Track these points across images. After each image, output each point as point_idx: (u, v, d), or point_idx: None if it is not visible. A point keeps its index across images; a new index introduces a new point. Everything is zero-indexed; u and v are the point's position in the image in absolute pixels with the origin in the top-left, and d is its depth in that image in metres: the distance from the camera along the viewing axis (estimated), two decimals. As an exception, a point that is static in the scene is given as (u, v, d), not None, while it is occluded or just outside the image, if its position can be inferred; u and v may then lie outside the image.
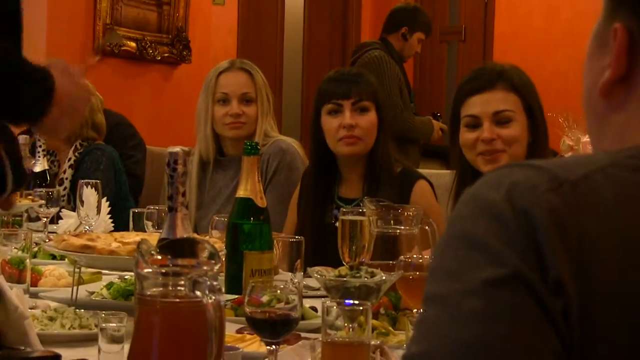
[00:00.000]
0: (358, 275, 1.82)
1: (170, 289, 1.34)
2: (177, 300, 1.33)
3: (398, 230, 2.12)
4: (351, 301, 1.52)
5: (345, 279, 1.80)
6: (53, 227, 3.30)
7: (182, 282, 1.34)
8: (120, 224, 3.23)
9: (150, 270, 1.35)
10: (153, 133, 5.42)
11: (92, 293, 2.28)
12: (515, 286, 0.90)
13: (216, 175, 3.64)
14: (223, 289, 1.34)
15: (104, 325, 1.76)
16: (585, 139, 2.96)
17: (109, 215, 3.21)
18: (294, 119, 7.84)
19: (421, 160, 5.71)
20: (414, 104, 5.88)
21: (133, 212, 2.80)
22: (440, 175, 3.50)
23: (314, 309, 2.12)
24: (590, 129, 1.11)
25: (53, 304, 2.12)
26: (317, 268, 1.87)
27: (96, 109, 4.12)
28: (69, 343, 1.88)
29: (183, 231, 1.78)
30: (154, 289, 1.34)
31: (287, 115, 7.60)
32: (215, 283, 1.32)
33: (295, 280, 2.26)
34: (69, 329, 1.92)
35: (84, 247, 2.02)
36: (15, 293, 1.86)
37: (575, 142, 3.05)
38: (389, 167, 3.07)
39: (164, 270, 1.35)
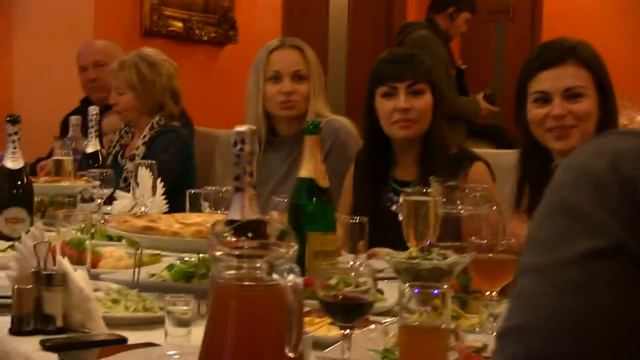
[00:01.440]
0: (429, 257, 1.77)
1: (246, 272, 1.31)
2: (254, 283, 1.29)
3: (465, 211, 2.06)
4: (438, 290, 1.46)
5: (416, 261, 1.76)
6: (107, 209, 3.28)
7: (259, 265, 1.30)
8: (180, 206, 3.21)
9: (225, 252, 1.31)
10: (200, 114, 5.38)
11: (152, 275, 2.26)
12: (617, 257, 0.88)
13: (268, 156, 3.59)
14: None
15: (170, 308, 1.73)
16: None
17: (164, 197, 3.18)
18: (338, 100, 7.77)
19: (467, 140, 5.64)
20: (464, 83, 5.82)
21: (190, 193, 2.77)
22: (497, 155, 3.42)
23: (380, 291, 2.08)
24: None
25: (115, 286, 2.10)
26: (386, 250, 1.83)
27: (174, 75, 4.11)
28: (133, 326, 1.85)
29: (251, 212, 1.73)
30: (229, 272, 1.31)
31: (331, 96, 7.53)
32: (293, 266, 1.29)
33: (363, 262, 2.22)
34: (133, 311, 1.89)
35: (146, 228, 1.99)
36: (80, 275, 1.84)
37: (629, 120, 2.98)
38: (445, 148, 3.01)
39: (239, 253, 1.31)
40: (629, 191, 0.90)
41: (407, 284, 1.50)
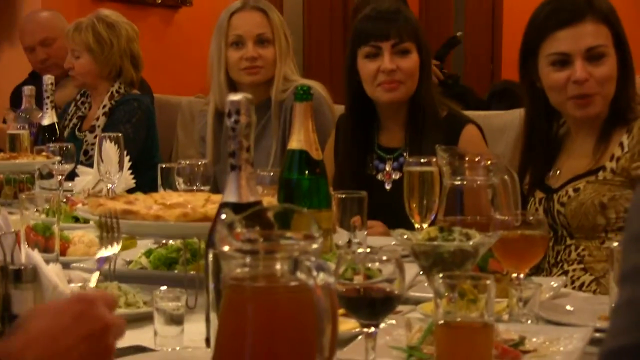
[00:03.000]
0: (451, 237, 1.56)
1: (264, 270, 1.09)
2: (275, 284, 1.08)
3: (477, 182, 1.86)
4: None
5: (437, 242, 1.55)
6: (68, 185, 3.04)
7: (279, 262, 1.09)
8: (145, 181, 2.99)
9: (238, 248, 1.09)
10: (155, 80, 5.15)
11: (129, 262, 2.04)
12: None
13: (234, 126, 3.36)
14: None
15: (160, 304, 1.51)
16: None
17: (130, 172, 2.95)
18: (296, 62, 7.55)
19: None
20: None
21: (161, 167, 2.53)
22: (486, 117, 3.22)
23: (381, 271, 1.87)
24: None
25: (89, 277, 1.86)
26: (401, 230, 1.62)
27: (133, 38, 3.88)
28: (115, 324, 1.63)
29: (250, 194, 1.52)
30: (243, 271, 1.09)
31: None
32: (322, 262, 1.07)
33: (358, 241, 2.02)
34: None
35: (125, 212, 1.76)
36: (52, 269, 1.61)
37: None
38: (434, 112, 2.80)
39: (253, 248, 1.09)
40: None
41: (441, 275, 1.30)
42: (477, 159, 1.90)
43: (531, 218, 1.68)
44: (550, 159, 2.46)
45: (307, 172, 2.05)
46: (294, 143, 2.05)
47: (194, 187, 2.44)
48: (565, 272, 2.33)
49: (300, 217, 1.15)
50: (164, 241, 2.11)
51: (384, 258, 1.34)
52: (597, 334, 1.50)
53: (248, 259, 1.08)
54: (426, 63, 2.80)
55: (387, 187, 2.79)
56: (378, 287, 1.33)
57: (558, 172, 2.45)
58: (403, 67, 2.74)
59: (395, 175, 2.78)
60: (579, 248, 2.36)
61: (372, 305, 1.33)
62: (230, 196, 1.50)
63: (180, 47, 5.95)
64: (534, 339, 1.49)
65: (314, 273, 1.05)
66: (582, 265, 2.33)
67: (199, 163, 2.48)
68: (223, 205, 1.53)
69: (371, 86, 2.77)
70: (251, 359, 1.07)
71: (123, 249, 2.11)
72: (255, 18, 3.32)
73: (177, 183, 2.45)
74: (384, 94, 2.76)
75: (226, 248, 1.09)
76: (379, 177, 2.81)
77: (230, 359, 1.09)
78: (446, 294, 1.30)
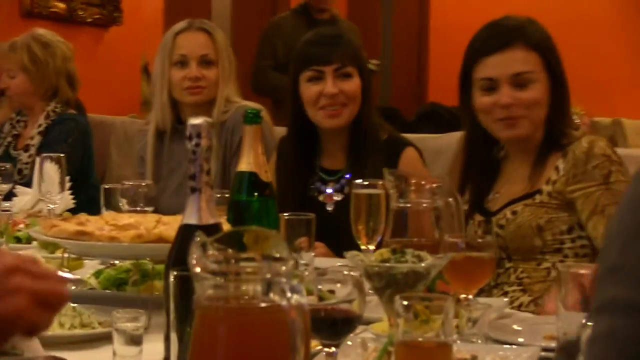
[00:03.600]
0: (404, 259, 1.61)
1: (237, 291, 1.11)
2: (251, 305, 1.10)
3: (423, 204, 1.91)
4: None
5: (390, 264, 1.59)
6: (6, 205, 3.01)
7: (253, 284, 1.11)
8: (81, 201, 2.98)
9: (211, 270, 1.11)
10: (86, 98, 5.14)
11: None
12: None
13: (174, 146, 3.38)
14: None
15: (119, 325, 1.52)
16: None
17: (70, 192, 2.94)
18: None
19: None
20: None
21: (104, 188, 2.54)
22: (424, 140, 3.29)
23: (332, 292, 1.91)
24: None
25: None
26: (353, 252, 1.65)
27: (69, 57, 3.86)
28: (72, 345, 1.64)
29: (210, 216, 1.55)
30: (216, 292, 1.11)
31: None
32: (296, 284, 1.10)
33: (305, 262, 2.05)
34: (69, 328, 1.67)
35: (79, 233, 1.77)
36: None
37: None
38: (375, 135, 2.86)
39: (228, 269, 1.11)
40: None
41: (399, 295, 1.34)
42: (422, 182, 1.95)
43: (480, 240, 1.73)
44: (490, 183, 2.53)
45: (256, 194, 2.07)
46: (244, 165, 2.07)
47: (138, 208, 2.45)
48: (505, 293, 2.39)
49: (268, 239, 1.18)
50: (111, 262, 2.11)
51: (342, 279, 1.38)
52: (544, 353, 1.55)
53: (221, 280, 1.11)
54: (368, 86, 2.85)
55: (329, 208, 2.82)
56: (340, 307, 1.37)
57: (497, 195, 2.51)
58: (346, 91, 2.79)
59: (337, 197, 2.82)
60: (517, 270, 2.42)
61: (334, 325, 1.36)
62: (191, 218, 1.53)
63: (110, 66, 5.93)
64: (486, 358, 1.53)
65: (288, 294, 1.08)
66: (521, 287, 2.40)
67: (143, 184, 2.50)
68: (183, 227, 1.56)
69: (313, 109, 2.81)
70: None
71: (70, 269, 2.13)
72: (200, 39, 3.34)
73: (120, 204, 2.46)
74: (327, 120, 2.80)
75: (198, 270, 1.12)
76: (321, 198, 2.84)
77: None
78: (404, 314, 1.34)
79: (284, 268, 1.10)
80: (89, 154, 3.86)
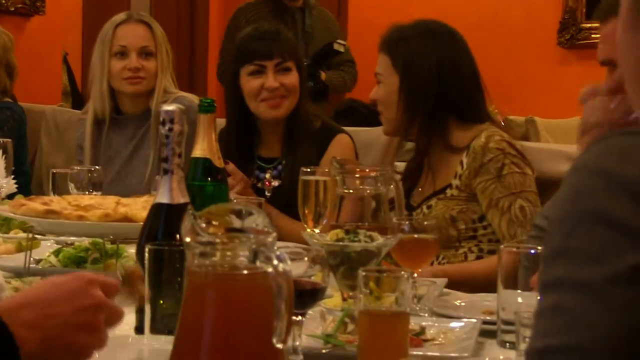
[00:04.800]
0: (357, 239, 1.74)
1: (224, 259, 1.23)
2: (235, 272, 1.22)
3: (367, 190, 2.04)
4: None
5: (345, 243, 1.73)
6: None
7: (242, 253, 1.23)
8: (23, 190, 3.05)
9: (207, 239, 1.23)
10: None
11: (38, 261, 2.12)
12: None
13: (112, 135, 3.46)
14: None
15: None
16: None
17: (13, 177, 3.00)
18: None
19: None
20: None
21: (53, 173, 2.62)
22: (356, 133, 3.42)
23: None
24: None
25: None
26: (309, 232, 1.78)
27: (9, 47, 3.87)
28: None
29: (180, 196, 1.67)
30: (207, 261, 1.23)
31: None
32: (282, 254, 1.22)
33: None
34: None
35: (48, 212, 1.86)
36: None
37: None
38: (308, 124, 3.00)
39: (222, 240, 1.23)
40: None
41: (363, 269, 1.47)
42: (367, 170, 2.10)
43: (425, 223, 1.87)
44: (417, 177, 2.69)
45: (209, 178, 2.18)
46: (198, 152, 2.18)
47: (86, 193, 2.54)
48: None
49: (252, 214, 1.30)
50: (67, 242, 2.20)
51: (300, 256, 1.51)
52: (485, 326, 1.71)
53: (210, 249, 1.22)
54: (304, 80, 2.99)
55: (267, 194, 2.96)
56: (307, 280, 1.50)
57: (420, 189, 2.68)
58: (286, 84, 2.92)
59: (275, 183, 2.95)
60: (439, 257, 2.58)
61: (301, 295, 1.49)
62: (163, 197, 1.65)
63: (32, 56, 5.91)
64: (432, 330, 1.68)
65: (275, 262, 1.20)
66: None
67: (92, 169, 2.59)
68: (156, 206, 1.67)
69: (254, 102, 2.94)
70: (213, 340, 1.20)
71: (27, 248, 2.21)
72: (140, 31, 3.42)
73: (70, 188, 2.55)
74: (269, 110, 2.94)
75: (189, 239, 1.23)
76: (259, 185, 2.97)
77: (192, 341, 1.22)
78: (364, 289, 1.47)
79: (268, 239, 1.22)
80: (23, 142, 3.90)
